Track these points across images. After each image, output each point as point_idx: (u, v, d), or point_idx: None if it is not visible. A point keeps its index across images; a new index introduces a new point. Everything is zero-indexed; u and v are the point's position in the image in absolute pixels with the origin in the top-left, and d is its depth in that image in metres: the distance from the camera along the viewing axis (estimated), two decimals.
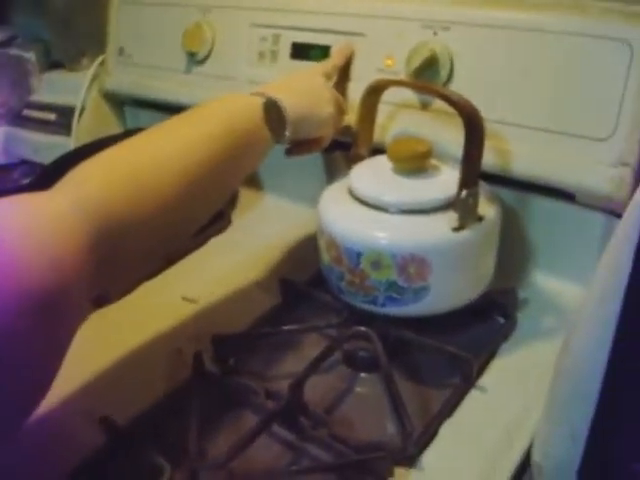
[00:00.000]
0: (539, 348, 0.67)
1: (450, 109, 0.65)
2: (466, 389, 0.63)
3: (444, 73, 0.70)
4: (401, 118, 0.75)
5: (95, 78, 1.06)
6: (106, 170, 0.53)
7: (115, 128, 1.07)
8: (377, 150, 0.73)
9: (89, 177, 0.52)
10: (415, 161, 0.65)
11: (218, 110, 0.62)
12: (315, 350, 0.65)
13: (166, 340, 0.71)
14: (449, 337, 0.67)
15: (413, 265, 0.62)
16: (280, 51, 0.85)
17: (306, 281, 0.77)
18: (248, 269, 0.82)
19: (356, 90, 0.78)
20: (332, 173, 0.79)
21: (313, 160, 0.87)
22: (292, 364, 0.68)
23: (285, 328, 0.69)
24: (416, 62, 0.70)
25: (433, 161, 0.67)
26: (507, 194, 0.72)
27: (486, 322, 0.71)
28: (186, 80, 0.94)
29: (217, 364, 0.67)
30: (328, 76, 0.75)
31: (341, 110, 0.75)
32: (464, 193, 0.61)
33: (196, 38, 0.90)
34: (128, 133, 1.05)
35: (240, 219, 0.94)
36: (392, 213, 0.63)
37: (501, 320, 0.71)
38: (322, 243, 0.67)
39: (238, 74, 0.87)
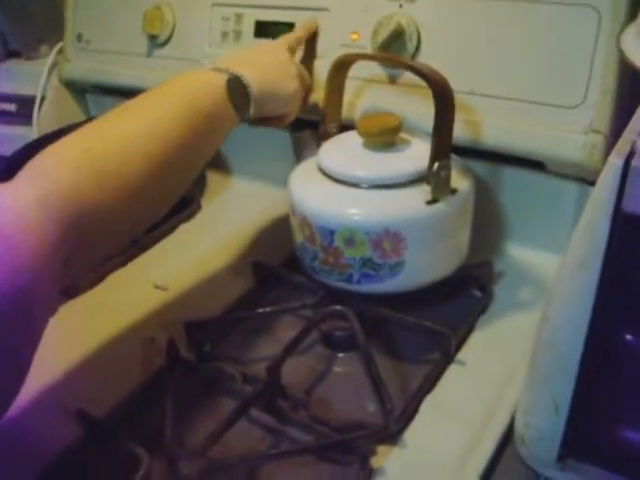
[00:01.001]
0: (517, 319, 0.67)
1: (418, 82, 0.64)
2: (445, 364, 0.63)
3: (411, 46, 0.69)
4: (369, 93, 0.73)
5: (54, 66, 1.03)
6: (69, 158, 0.51)
7: (78, 116, 1.05)
8: (346, 127, 0.72)
9: (52, 167, 0.50)
10: (385, 135, 0.64)
11: (181, 90, 0.61)
12: (291, 332, 0.64)
13: (139, 329, 0.70)
14: (426, 313, 0.66)
15: (387, 240, 0.61)
16: (243, 30, 0.83)
17: (280, 263, 0.76)
18: (220, 254, 0.81)
19: (322, 67, 0.77)
20: (301, 152, 0.77)
21: (281, 140, 0.86)
22: (268, 347, 0.67)
23: (259, 311, 0.68)
24: (382, 35, 0.69)
25: (403, 135, 0.66)
26: (478, 166, 0.71)
27: (463, 296, 0.71)
28: (148, 64, 0.92)
29: (192, 351, 0.66)
30: (292, 50, 0.73)
31: (306, 86, 0.74)
32: (436, 166, 0.60)
33: (156, 21, 0.88)
34: (90, 120, 1.03)
35: (209, 204, 0.93)
36: (364, 188, 0.62)
37: (478, 293, 0.70)
38: (294, 223, 0.66)
39: (201, 55, 0.85)
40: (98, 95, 1.05)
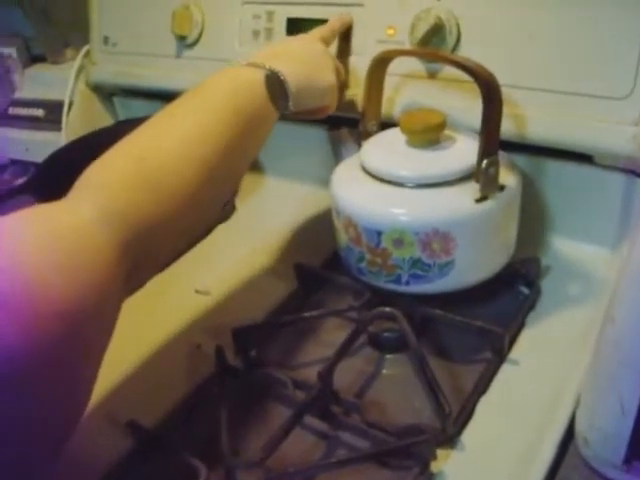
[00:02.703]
0: (567, 316, 0.66)
1: (458, 76, 0.62)
2: (498, 363, 0.62)
3: (451, 40, 0.68)
4: (408, 89, 0.72)
5: (81, 70, 1.02)
6: (123, 170, 0.50)
7: (106, 120, 1.04)
8: (385, 124, 0.71)
9: (106, 181, 0.49)
10: (430, 133, 0.62)
11: (223, 90, 0.60)
12: (338, 334, 0.63)
13: (183, 336, 0.69)
14: (474, 311, 0.65)
15: (437, 240, 0.60)
16: (275, 28, 0.81)
17: (321, 264, 0.75)
18: (259, 256, 0.80)
19: (358, 64, 0.75)
20: (339, 151, 0.76)
21: (315, 138, 0.85)
22: (316, 351, 0.66)
23: (306, 315, 0.67)
24: (421, 30, 0.67)
25: (446, 131, 0.65)
26: (523, 160, 0.70)
27: (510, 293, 0.69)
28: (177, 65, 0.91)
29: (239, 357, 0.65)
30: (326, 42, 0.72)
31: (341, 80, 0.72)
32: (485, 162, 0.59)
33: (185, 21, 0.87)
34: (120, 124, 1.03)
35: (244, 205, 0.92)
36: (410, 188, 0.61)
37: (525, 290, 0.69)
38: (338, 224, 0.65)
39: (232, 55, 0.84)
40: (125, 98, 1.04)
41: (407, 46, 0.71)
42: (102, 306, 0.42)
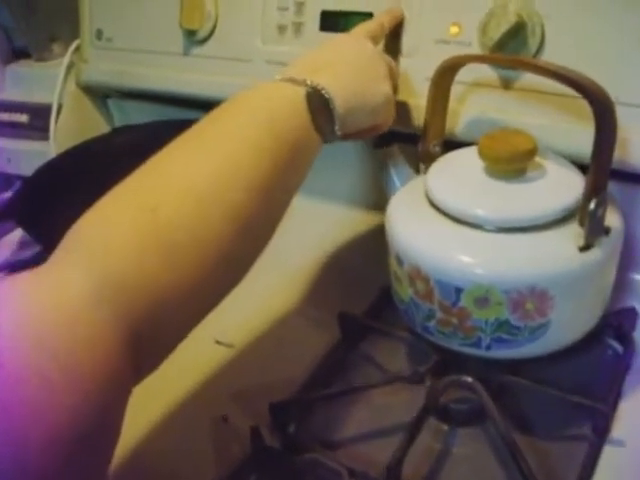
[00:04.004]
0: None
1: (540, 86, 0.51)
2: (600, 444, 0.50)
3: (533, 43, 0.55)
4: (477, 100, 0.59)
5: (71, 68, 0.88)
6: (127, 225, 0.38)
7: (100, 126, 0.90)
8: (447, 142, 0.59)
9: (106, 240, 0.37)
10: (518, 162, 0.50)
11: (257, 114, 0.47)
12: (394, 400, 0.53)
13: (205, 404, 0.57)
14: (555, 372, 0.54)
15: (532, 300, 0.48)
16: (306, 23, 0.68)
17: (367, 308, 0.63)
18: (287, 296, 0.68)
19: (411, 68, 0.63)
20: (386, 172, 0.63)
21: (352, 152, 0.72)
22: (369, 422, 0.54)
23: (360, 385, 0.55)
24: (496, 30, 0.55)
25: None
26: (616, 189, 0.58)
27: (598, 348, 0.58)
28: (185, 64, 0.77)
29: (275, 434, 0.53)
30: (375, 40, 0.59)
31: (395, 84, 0.59)
32: (594, 203, 0.47)
33: (195, 12, 0.73)
34: (118, 132, 0.89)
35: None
36: (495, 232, 0.49)
37: (617, 346, 0.57)
38: (400, 273, 0.53)
39: (252, 54, 0.71)
40: (123, 100, 0.90)
41: (474, 48, 0.58)
42: (106, 413, 0.33)
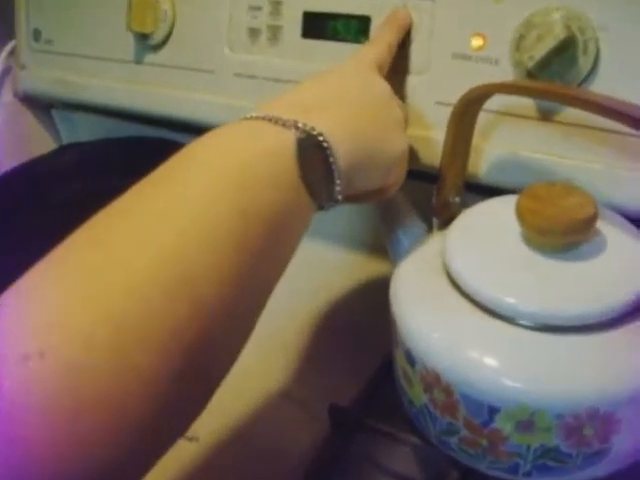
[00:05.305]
0: None
1: (593, 120, 0.38)
2: None
3: (585, 63, 0.42)
4: (507, 135, 0.46)
5: (6, 74, 0.74)
6: (74, 317, 0.27)
7: (44, 142, 0.76)
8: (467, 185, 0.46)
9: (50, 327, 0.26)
10: (574, 235, 0.37)
11: (220, 172, 0.33)
12: None
13: None
14: None
15: (592, 424, 0.35)
16: (285, 26, 0.55)
17: (364, 390, 0.50)
18: (266, 376, 0.55)
19: (420, 88, 0.50)
20: (388, 216, 0.49)
21: None
22: None
23: None
24: (541, 47, 0.41)
25: None
26: None
27: None
28: (136, 74, 0.63)
29: None
30: (383, 69, 0.45)
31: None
32: None
33: (147, 13, 0.59)
34: (63, 150, 0.75)
35: None
36: (543, 331, 0.36)
37: None
38: (410, 373, 0.40)
39: (217, 64, 0.58)
40: (69, 112, 0.76)
41: (503, 66, 0.45)
42: None
